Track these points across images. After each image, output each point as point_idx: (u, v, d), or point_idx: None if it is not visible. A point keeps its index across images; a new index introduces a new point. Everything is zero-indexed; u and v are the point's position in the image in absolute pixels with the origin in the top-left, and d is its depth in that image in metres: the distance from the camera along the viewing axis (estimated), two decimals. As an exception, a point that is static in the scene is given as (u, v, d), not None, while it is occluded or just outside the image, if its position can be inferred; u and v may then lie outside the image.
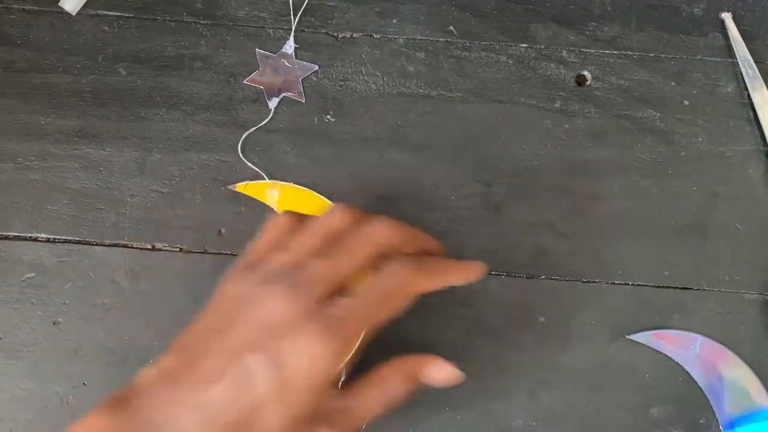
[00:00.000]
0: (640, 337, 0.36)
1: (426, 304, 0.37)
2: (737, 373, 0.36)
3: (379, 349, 0.38)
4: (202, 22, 0.40)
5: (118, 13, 0.40)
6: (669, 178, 0.39)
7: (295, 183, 0.38)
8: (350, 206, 0.31)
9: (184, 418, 0.25)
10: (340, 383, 0.32)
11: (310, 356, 0.26)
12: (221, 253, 0.37)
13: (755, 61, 0.40)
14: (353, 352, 0.29)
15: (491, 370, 0.36)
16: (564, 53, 0.41)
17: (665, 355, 0.36)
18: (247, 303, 0.27)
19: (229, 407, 0.25)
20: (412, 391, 0.31)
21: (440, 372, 0.31)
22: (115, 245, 0.37)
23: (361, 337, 0.28)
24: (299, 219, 0.31)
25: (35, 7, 0.40)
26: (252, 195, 0.38)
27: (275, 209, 0.38)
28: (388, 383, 0.30)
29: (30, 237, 0.37)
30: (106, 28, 0.40)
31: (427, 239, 0.33)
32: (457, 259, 0.33)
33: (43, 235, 0.37)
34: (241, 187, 0.38)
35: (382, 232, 0.29)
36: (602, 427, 0.36)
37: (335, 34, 0.41)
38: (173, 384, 0.26)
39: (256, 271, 0.29)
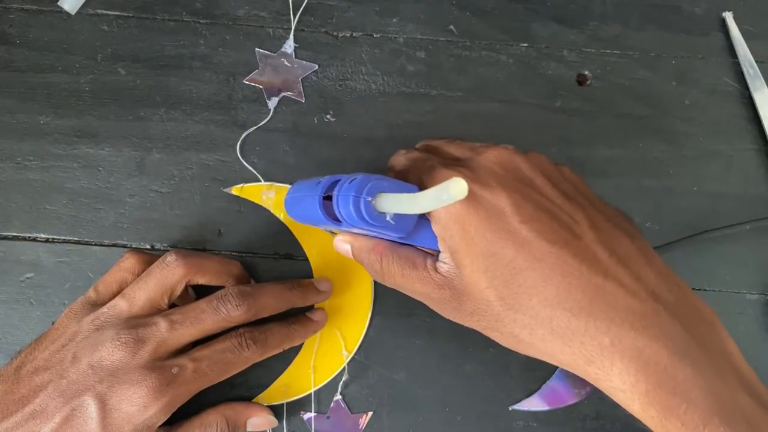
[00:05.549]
0: None
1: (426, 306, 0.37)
2: None
3: (376, 345, 0.37)
4: (201, 21, 0.40)
5: (117, 13, 0.40)
6: (669, 178, 0.39)
7: (293, 184, 0.38)
8: (187, 255, 0.32)
9: None
10: None
11: (141, 406, 0.28)
12: (221, 253, 0.37)
13: (756, 61, 0.40)
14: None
15: (491, 370, 0.36)
16: (565, 52, 0.41)
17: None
18: (84, 344, 0.29)
19: None
20: None
21: (260, 420, 0.34)
22: (114, 245, 0.37)
23: (192, 394, 0.30)
24: (146, 261, 0.33)
25: (34, 7, 0.40)
26: (248, 197, 0.38)
27: (272, 211, 0.37)
28: (208, 428, 0.32)
29: (29, 237, 0.37)
30: (105, 27, 0.40)
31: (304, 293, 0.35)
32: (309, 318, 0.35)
33: (42, 236, 0.37)
34: (237, 189, 0.38)
35: (235, 312, 0.31)
36: (602, 427, 0.36)
37: (335, 33, 0.40)
38: (1, 418, 0.28)
39: (96, 312, 0.31)
